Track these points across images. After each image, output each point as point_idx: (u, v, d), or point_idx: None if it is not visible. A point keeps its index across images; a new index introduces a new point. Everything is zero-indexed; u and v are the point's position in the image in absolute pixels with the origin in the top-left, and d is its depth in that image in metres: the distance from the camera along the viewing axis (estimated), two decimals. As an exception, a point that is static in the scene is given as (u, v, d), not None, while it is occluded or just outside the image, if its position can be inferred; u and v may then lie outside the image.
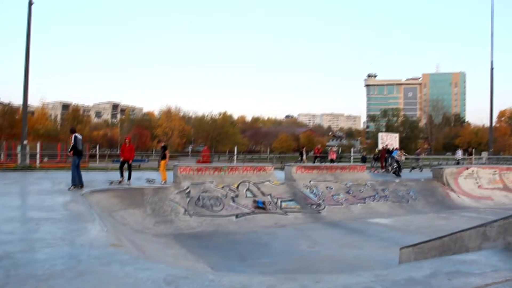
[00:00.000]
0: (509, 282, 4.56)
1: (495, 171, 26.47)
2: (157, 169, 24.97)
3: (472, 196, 23.75)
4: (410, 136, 78.31)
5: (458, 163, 34.14)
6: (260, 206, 18.14)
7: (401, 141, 40.46)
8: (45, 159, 32.96)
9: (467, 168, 26.21)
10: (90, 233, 7.69)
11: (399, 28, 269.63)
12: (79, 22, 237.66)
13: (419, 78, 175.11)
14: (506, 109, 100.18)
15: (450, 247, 7.44)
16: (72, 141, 14.83)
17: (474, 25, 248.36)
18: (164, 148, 18.73)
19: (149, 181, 18.32)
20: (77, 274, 5.00)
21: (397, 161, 26.52)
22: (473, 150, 41.88)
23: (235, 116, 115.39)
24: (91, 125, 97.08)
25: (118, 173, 18.20)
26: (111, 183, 17.17)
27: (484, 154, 47.38)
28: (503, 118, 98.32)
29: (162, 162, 18.36)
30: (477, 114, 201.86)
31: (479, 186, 24.93)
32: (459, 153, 37.25)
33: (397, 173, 26.27)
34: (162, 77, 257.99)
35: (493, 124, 54.34)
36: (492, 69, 40.42)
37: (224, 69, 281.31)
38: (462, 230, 7.54)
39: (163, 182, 17.71)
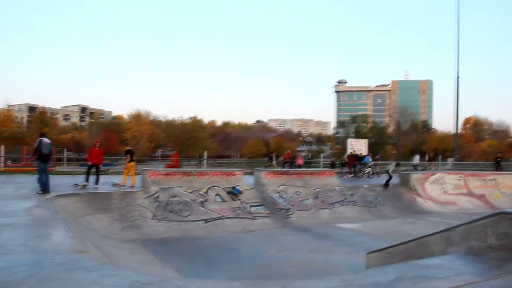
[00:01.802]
0: (471, 285, 4.65)
1: (460, 177, 27.06)
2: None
3: (438, 201, 24.22)
4: (379, 142, 79.12)
5: (415, 168, 34.67)
6: (235, 193, 18.62)
7: (370, 147, 40.87)
8: (9, 162, 32.12)
9: (434, 174, 26.72)
10: (55, 239, 7.52)
11: (369, 35, 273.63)
12: (47, 23, 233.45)
13: (388, 85, 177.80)
14: (471, 117, 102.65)
15: (416, 251, 7.55)
16: (35, 144, 14.43)
17: (441, 34, 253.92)
18: (129, 152, 18.59)
19: (115, 185, 18.07)
20: (39, 281, 4.88)
21: (387, 171, 25.37)
22: (434, 156, 42.68)
23: (205, 121, 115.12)
24: (58, 128, 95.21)
25: (84, 177, 17.83)
26: (77, 186, 16.82)
27: (450, 160, 48.33)
28: (468, 126, 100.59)
29: (128, 165, 18.20)
30: (443, 121, 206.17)
31: (444, 192, 25.44)
32: (416, 159, 37.82)
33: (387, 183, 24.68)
34: (131, 80, 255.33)
35: (459, 131, 55.59)
36: (457, 77, 41.36)
37: (195, 73, 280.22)
38: (427, 235, 7.67)
39: (123, 185, 17.55)
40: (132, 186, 17.52)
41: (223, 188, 18.74)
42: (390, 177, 24.44)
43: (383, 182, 24.60)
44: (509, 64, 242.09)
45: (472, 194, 26.01)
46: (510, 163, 43.95)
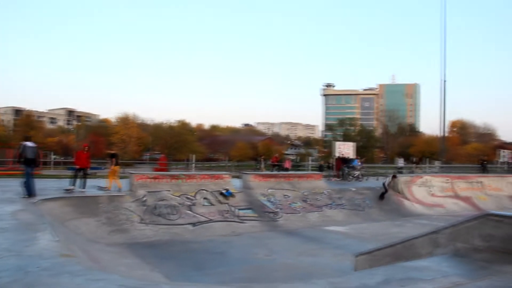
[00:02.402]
0: (458, 287, 4.68)
1: (447, 179, 27.30)
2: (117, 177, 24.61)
3: (425, 204, 24.38)
4: (367, 145, 79.59)
5: (400, 172, 34.94)
6: (227, 195, 18.73)
7: (357, 150, 41.08)
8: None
9: (421, 177, 26.92)
10: (40, 243, 7.44)
11: (356, 39, 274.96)
12: (31, 25, 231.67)
13: (375, 89, 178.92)
14: (457, 120, 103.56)
15: (403, 254, 7.59)
16: (19, 149, 14.24)
17: (427, 38, 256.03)
18: (114, 155, 18.53)
19: (101, 188, 17.95)
20: (24, 286, 4.82)
21: (387, 185, 24.03)
22: (419, 159, 43.04)
23: (193, 124, 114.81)
24: (45, 132, 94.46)
25: (71, 181, 17.66)
26: (68, 191, 16.67)
27: (437, 163, 48.74)
28: (454, 129, 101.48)
29: (112, 169, 18.14)
30: (430, 124, 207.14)
31: (432, 194, 25.62)
32: (401, 162, 38.11)
33: (382, 196, 23.76)
34: (118, 83, 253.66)
35: (445, 134, 56.07)
36: (444, 81, 41.74)
37: (182, 77, 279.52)
38: (415, 237, 7.73)
39: (106, 189, 17.45)
40: (119, 189, 17.43)
41: (211, 192, 18.70)
42: (386, 191, 23.76)
43: (371, 185, 24.73)
44: (493, 67, 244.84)
45: (458, 196, 26.23)
46: (495, 165, 44.46)
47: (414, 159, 44.87)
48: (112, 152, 19.16)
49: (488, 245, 6.27)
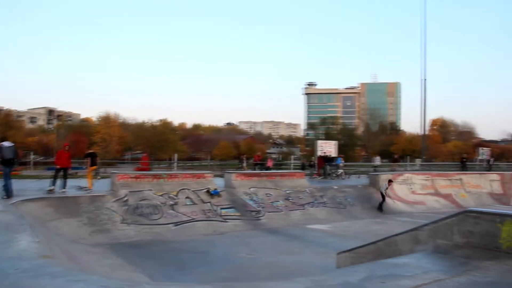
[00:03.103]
0: (437, 283, 4.74)
1: (428, 177, 27.60)
2: (94, 176, 24.38)
3: (406, 201, 24.63)
4: (348, 144, 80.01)
5: (375, 170, 35.16)
6: (214, 194, 18.82)
7: (339, 148, 41.28)
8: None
9: (402, 175, 27.16)
10: (19, 245, 7.32)
11: (338, 37, 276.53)
12: (10, 23, 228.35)
13: (357, 88, 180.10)
14: (437, 118, 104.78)
15: (385, 251, 7.65)
16: None
17: (408, 37, 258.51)
18: (90, 155, 18.39)
19: (81, 188, 17.79)
20: (3, 288, 4.74)
21: (385, 192, 23.00)
22: (398, 157, 43.42)
23: (176, 123, 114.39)
24: (24, 131, 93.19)
25: (52, 181, 17.43)
26: (50, 191, 16.45)
27: (418, 161, 49.22)
28: (435, 127, 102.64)
29: (90, 169, 18.01)
30: (411, 123, 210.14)
31: (412, 192, 25.89)
32: (377, 160, 38.36)
33: (380, 207, 22.78)
34: (100, 82, 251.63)
35: (426, 132, 56.67)
36: (424, 80, 42.15)
37: (164, 75, 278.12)
38: (396, 235, 7.80)
39: (88, 189, 17.30)
40: (88, 189, 17.32)
41: (193, 191, 18.64)
42: (384, 199, 22.83)
43: (353, 183, 24.89)
44: (473, 66, 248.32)
45: (439, 193, 26.54)
46: (475, 163, 45.06)
47: (395, 156, 45.12)
48: (89, 151, 18.99)
49: (467, 241, 6.34)
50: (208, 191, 18.94)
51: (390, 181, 23.51)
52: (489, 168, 37.15)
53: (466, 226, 6.44)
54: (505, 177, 30.03)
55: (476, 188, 28.52)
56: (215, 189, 19.18)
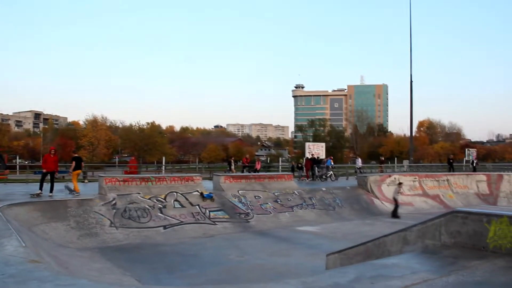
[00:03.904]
0: (426, 283, 4.77)
1: (415, 178, 27.76)
2: (81, 180, 24.22)
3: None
4: (337, 146, 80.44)
5: (360, 171, 35.19)
6: (206, 198, 18.83)
7: (327, 150, 41.43)
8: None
9: (390, 176, 27.30)
10: (6, 250, 7.25)
11: (325, 39, 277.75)
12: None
13: (345, 90, 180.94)
14: (425, 120, 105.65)
15: (374, 252, 7.69)
16: None
17: (395, 39, 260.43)
18: (75, 159, 18.28)
19: (68, 189, 17.65)
20: (-11, 294, 4.69)
21: (394, 198, 21.82)
22: (384, 158, 43.63)
23: (164, 126, 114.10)
24: (10, 135, 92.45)
25: (39, 185, 17.29)
26: (32, 196, 16.31)
27: (406, 162, 49.53)
28: (422, 128, 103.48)
29: (74, 173, 17.91)
30: (399, 124, 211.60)
31: (401, 193, 25.99)
32: (359, 162, 38.45)
33: (395, 213, 21.43)
34: (87, 85, 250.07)
35: (414, 133, 57.07)
36: (411, 82, 42.43)
37: (152, 78, 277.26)
38: (385, 236, 7.84)
39: (76, 193, 17.18)
40: (74, 192, 17.23)
41: (182, 194, 18.58)
42: (397, 205, 21.71)
43: (342, 185, 24.97)
44: (459, 67, 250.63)
45: (427, 194, 26.69)
46: (462, 164, 45.45)
47: (381, 158, 45.30)
48: (75, 155, 18.90)
49: (455, 241, 6.40)
50: (201, 195, 18.89)
51: (400, 184, 22.90)
52: (474, 169, 37.49)
53: (454, 226, 6.50)
54: (491, 178, 30.29)
55: (464, 189, 28.74)
56: (210, 193, 19.18)
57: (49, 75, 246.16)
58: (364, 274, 5.33)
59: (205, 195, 18.90)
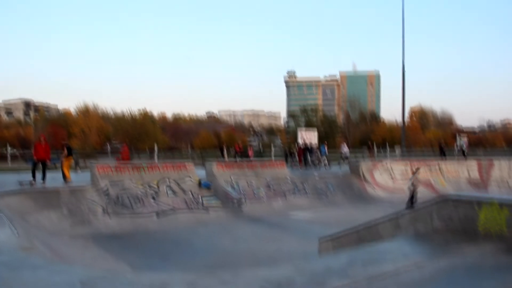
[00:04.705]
0: (417, 267, 4.83)
1: (407, 164, 27.90)
2: (74, 168, 24.13)
3: (386, 189, 24.93)
4: (329, 133, 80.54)
5: (346, 158, 35.18)
6: (206, 187, 18.95)
7: (320, 137, 41.45)
8: None
9: (382, 163, 27.45)
10: (-1, 238, 7.24)
11: (317, 26, 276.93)
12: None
13: (337, 77, 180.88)
14: (416, 107, 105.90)
15: (366, 237, 7.77)
16: None
17: (387, 25, 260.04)
18: (66, 147, 18.22)
19: (66, 181, 17.60)
20: (-18, 282, 4.67)
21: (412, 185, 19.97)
22: (372, 145, 43.67)
23: (155, 114, 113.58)
24: (0, 124, 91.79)
25: (31, 174, 17.21)
26: (21, 184, 16.24)
27: (397, 149, 49.66)
28: (414, 115, 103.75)
29: (66, 161, 17.84)
30: (391, 111, 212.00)
31: (393, 179, 26.18)
32: (345, 148, 38.43)
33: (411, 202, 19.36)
34: (77, 73, 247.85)
35: (405, 121, 57.21)
36: (403, 70, 42.42)
37: (143, 65, 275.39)
38: (377, 221, 7.91)
39: (68, 181, 17.14)
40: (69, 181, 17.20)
41: (175, 181, 18.57)
42: (413, 195, 19.55)
43: (334, 172, 25.07)
44: (451, 54, 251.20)
45: (418, 181, 26.84)
46: (453, 151, 45.68)
47: (370, 145, 45.27)
48: (65, 143, 18.83)
49: (447, 226, 6.47)
50: (199, 183, 19.00)
51: (417, 169, 21.50)
52: (464, 155, 37.67)
53: (445, 211, 6.57)
54: (482, 164, 30.51)
55: (455, 175, 28.94)
56: (208, 182, 19.28)
57: (38, 61, 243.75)
58: (357, 258, 5.38)
59: (202, 184, 18.92)
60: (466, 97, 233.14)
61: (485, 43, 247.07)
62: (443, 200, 6.76)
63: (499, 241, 5.71)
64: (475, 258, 5.25)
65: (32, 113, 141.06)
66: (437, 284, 4.39)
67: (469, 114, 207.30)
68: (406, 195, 24.17)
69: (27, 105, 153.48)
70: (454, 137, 57.12)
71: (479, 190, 27.52)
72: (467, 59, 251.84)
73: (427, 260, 5.21)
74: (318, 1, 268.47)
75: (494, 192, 27.36)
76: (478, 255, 5.33)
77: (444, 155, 35.21)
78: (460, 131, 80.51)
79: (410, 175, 26.66)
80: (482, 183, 29.14)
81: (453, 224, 6.40)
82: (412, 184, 20.00)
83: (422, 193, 24.98)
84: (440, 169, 28.76)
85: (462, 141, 46.12)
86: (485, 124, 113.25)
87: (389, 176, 26.29)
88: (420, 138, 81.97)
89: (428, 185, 26.78)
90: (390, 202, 21.62)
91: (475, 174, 29.73)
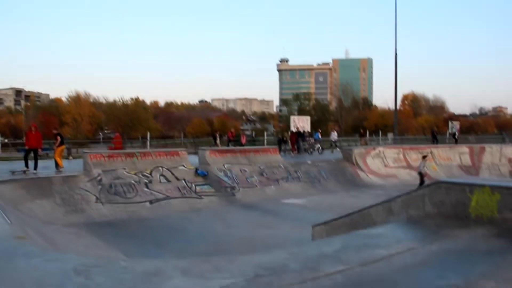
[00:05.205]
0: (410, 251, 4.87)
1: (400, 151, 28.05)
2: (66, 157, 24.04)
3: (379, 175, 25.05)
4: (322, 119, 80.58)
5: (335, 144, 35.12)
6: (202, 175, 18.93)
7: (313, 124, 41.49)
8: None
9: (375, 149, 27.56)
10: (-9, 227, 7.22)
11: (309, 13, 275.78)
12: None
13: (329, 63, 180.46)
14: (409, 93, 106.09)
15: (359, 222, 7.82)
16: None
17: (380, 13, 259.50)
18: (59, 135, 18.12)
19: (58, 169, 17.51)
20: (-25, 270, 4.66)
21: (420, 173, 20.53)
22: (364, 131, 43.75)
23: (148, 101, 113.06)
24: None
25: (23, 163, 17.10)
26: (14, 173, 16.17)
27: (390, 135, 49.81)
28: (406, 101, 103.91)
29: (58, 149, 17.75)
30: (383, 98, 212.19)
31: (385, 165, 26.32)
32: (334, 135, 38.41)
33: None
34: (68, 61, 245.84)
35: (398, 107, 57.35)
36: (396, 56, 42.41)
37: (135, 52, 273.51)
38: (370, 206, 7.96)
39: (61, 168, 17.08)
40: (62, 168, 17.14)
41: (168, 169, 18.54)
42: (422, 180, 19.93)
43: (327, 158, 25.15)
44: (443, 39, 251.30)
45: (411, 167, 27.00)
46: (445, 136, 45.88)
47: (362, 131, 45.33)
48: (56, 132, 18.72)
49: (439, 211, 6.51)
50: (196, 171, 19.02)
51: (424, 157, 21.84)
52: (455, 141, 37.87)
53: (438, 196, 6.62)
54: (474, 150, 30.70)
55: (447, 161, 29.10)
56: (203, 170, 19.27)
57: (29, 49, 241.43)
58: (350, 244, 5.42)
59: (198, 172, 18.92)
60: (458, 83, 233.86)
61: (476, 30, 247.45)
62: (435, 185, 6.81)
63: (491, 225, 5.77)
64: (467, 242, 5.30)
65: (23, 102, 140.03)
66: (430, 268, 4.43)
67: (461, 101, 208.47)
68: (398, 181, 24.44)
69: (18, 93, 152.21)
70: (446, 123, 57.32)
71: (470, 176, 27.72)
72: (459, 46, 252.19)
73: (419, 244, 5.26)
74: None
75: (485, 177, 27.57)
76: (470, 239, 5.38)
77: (437, 141, 35.39)
78: (452, 117, 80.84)
79: (401, 161, 26.96)
80: (474, 168, 29.35)
81: (445, 208, 6.45)
82: (423, 171, 20.84)
83: (416, 178, 25.28)
84: (432, 154, 28.90)
85: (455, 127, 46.34)
86: (477, 111, 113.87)
87: (382, 162, 26.39)
88: (412, 124, 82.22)
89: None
90: (383, 188, 21.75)
91: (466, 159, 29.92)
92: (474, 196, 6.10)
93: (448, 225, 5.97)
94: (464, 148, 31.07)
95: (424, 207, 6.77)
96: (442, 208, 6.49)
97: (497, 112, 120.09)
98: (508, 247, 5.16)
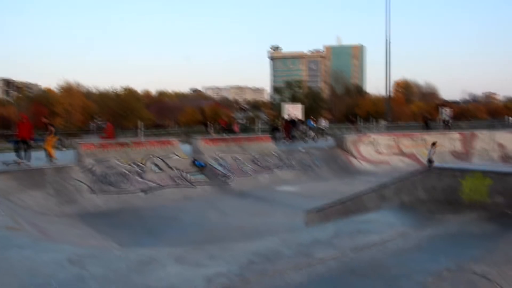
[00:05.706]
0: (403, 237, 4.91)
1: (392, 138, 28.13)
2: (58, 147, 23.93)
3: (372, 162, 25.14)
4: (314, 107, 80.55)
5: (324, 132, 35.09)
6: (200, 166, 18.96)
7: (305, 111, 41.47)
8: None
9: (367, 136, 27.63)
10: (-17, 218, 7.19)
11: (301, 1, 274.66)
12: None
13: (322, 51, 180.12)
14: (401, 80, 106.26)
15: (352, 209, 7.86)
16: None
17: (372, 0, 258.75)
18: (51, 126, 18.03)
19: (51, 160, 17.42)
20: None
21: (430, 160, 20.54)
22: (355, 118, 43.85)
23: (140, 91, 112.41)
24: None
25: (14, 154, 16.97)
26: (8, 165, 16.07)
27: (382, 123, 49.91)
28: (398, 88, 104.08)
29: (51, 140, 17.65)
30: (376, 85, 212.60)
31: (378, 152, 26.40)
32: (323, 122, 38.38)
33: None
34: (59, 50, 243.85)
35: (390, 94, 57.46)
36: (388, 43, 42.37)
37: (127, 40, 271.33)
38: (363, 193, 7.99)
39: (54, 160, 17.00)
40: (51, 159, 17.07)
41: (161, 158, 18.51)
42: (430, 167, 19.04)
43: (320, 146, 25.16)
44: (435, 27, 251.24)
45: (403, 153, 27.14)
46: (437, 123, 46.03)
47: (351, 118, 45.40)
48: (47, 122, 18.61)
49: (431, 196, 6.56)
50: (193, 162, 19.02)
51: (434, 144, 21.73)
52: (449, 128, 38.01)
53: (430, 182, 6.66)
54: (466, 136, 30.84)
55: (439, 148, 29.21)
56: (203, 163, 19.25)
57: (18, 39, 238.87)
58: (343, 230, 5.45)
59: (196, 163, 18.88)
60: (449, 69, 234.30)
61: (467, 17, 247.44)
62: (427, 171, 6.85)
63: (482, 209, 5.82)
64: (459, 226, 5.35)
65: (13, 93, 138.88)
66: (422, 252, 4.47)
67: (452, 87, 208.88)
68: (390, 167, 24.54)
69: (8, 84, 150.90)
70: (438, 110, 57.47)
71: (462, 162, 27.87)
72: (450, 33, 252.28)
73: (412, 229, 5.30)
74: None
75: (477, 162, 27.75)
76: (462, 224, 5.43)
77: (429, 127, 35.50)
78: (444, 103, 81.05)
79: (394, 148, 27.06)
80: (466, 154, 29.50)
81: (437, 194, 6.49)
82: (432, 157, 20.86)
83: (408, 165, 25.42)
84: (424, 141, 29.01)
85: (446, 114, 46.46)
86: (468, 97, 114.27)
87: (374, 149, 26.48)
88: (405, 111, 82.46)
89: (413, 157, 27.07)
90: (375, 175, 21.82)
91: (458, 146, 30.05)
92: (466, 181, 6.14)
93: (440, 210, 6.01)
94: (456, 135, 31.19)
95: (416, 193, 6.82)
96: (434, 193, 6.53)
97: (488, 98, 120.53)
98: (499, 231, 5.21)
